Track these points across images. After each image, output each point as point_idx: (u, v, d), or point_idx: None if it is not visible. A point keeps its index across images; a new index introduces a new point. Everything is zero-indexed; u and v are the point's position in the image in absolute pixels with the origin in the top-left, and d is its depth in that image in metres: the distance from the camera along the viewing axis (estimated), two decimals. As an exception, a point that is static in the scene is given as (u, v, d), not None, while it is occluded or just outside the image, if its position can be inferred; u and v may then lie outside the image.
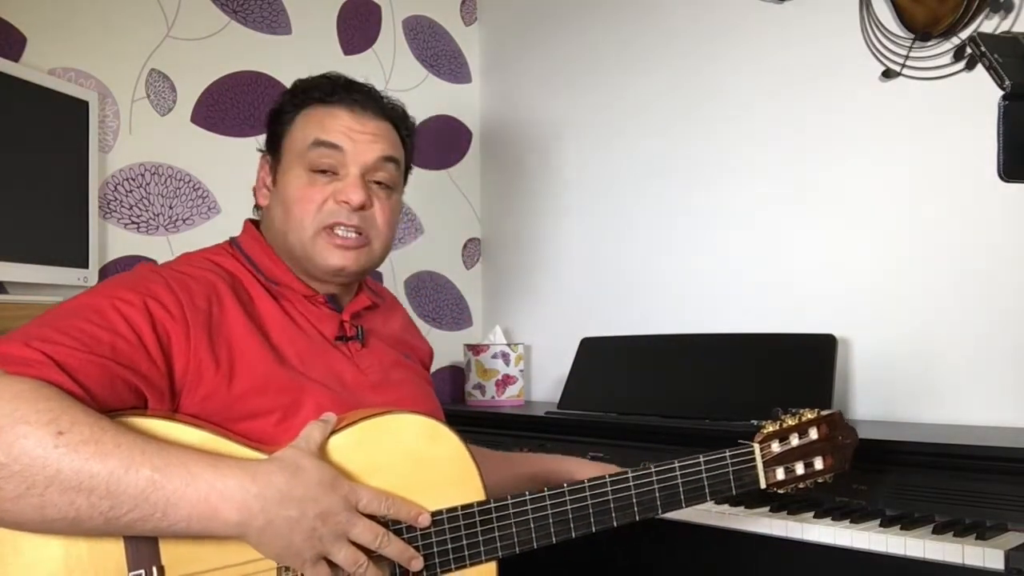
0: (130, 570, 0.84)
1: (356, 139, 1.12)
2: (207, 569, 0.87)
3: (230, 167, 2.07)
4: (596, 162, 2.30)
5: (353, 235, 1.12)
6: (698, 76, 2.07)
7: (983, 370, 1.59)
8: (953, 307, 1.63)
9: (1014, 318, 1.56)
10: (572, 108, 2.37)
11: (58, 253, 1.69)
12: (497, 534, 0.99)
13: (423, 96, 2.49)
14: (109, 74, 1.89)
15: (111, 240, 1.89)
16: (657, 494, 1.06)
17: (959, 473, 1.24)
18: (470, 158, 2.64)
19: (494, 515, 0.99)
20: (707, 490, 1.08)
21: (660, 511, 1.06)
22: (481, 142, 2.66)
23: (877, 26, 1.74)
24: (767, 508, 1.32)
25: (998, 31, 1.58)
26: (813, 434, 1.13)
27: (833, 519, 1.23)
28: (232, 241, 1.17)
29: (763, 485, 1.11)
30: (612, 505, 1.04)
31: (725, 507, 1.34)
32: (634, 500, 1.05)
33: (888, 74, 1.73)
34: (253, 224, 1.20)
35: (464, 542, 0.97)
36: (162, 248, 1.96)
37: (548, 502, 1.01)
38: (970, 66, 1.61)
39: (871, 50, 1.75)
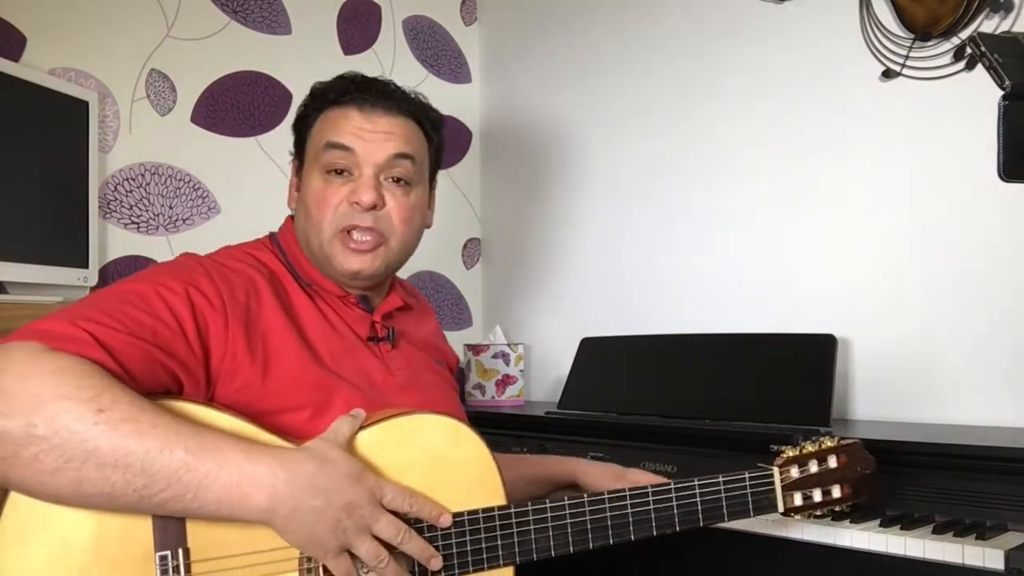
0: (156, 551, 0.86)
1: (367, 139, 1.12)
2: (231, 554, 0.89)
3: (230, 167, 2.07)
4: (596, 162, 2.30)
5: (367, 237, 1.12)
6: (698, 76, 2.07)
7: (983, 370, 1.59)
8: (953, 307, 1.63)
9: (1014, 318, 1.55)
10: (572, 108, 2.37)
11: (58, 253, 1.68)
12: (516, 539, 0.99)
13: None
14: (109, 74, 1.89)
15: (111, 240, 1.89)
16: (676, 511, 1.07)
17: (959, 473, 1.23)
18: (470, 158, 2.64)
19: (514, 520, 1.00)
20: (725, 510, 1.09)
21: (678, 527, 1.07)
22: (481, 142, 2.66)
23: (877, 26, 1.74)
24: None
25: (998, 31, 1.58)
26: (832, 462, 1.14)
27: (833, 519, 1.23)
28: (272, 236, 1.19)
29: (781, 510, 1.12)
30: (631, 518, 1.05)
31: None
32: (652, 515, 1.06)
33: (888, 74, 1.73)
34: (292, 221, 1.21)
35: (483, 545, 0.98)
36: (162, 248, 1.96)
37: (568, 511, 1.02)
38: (970, 66, 1.61)
39: (871, 50, 1.75)
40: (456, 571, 0.97)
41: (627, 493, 1.05)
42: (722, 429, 1.55)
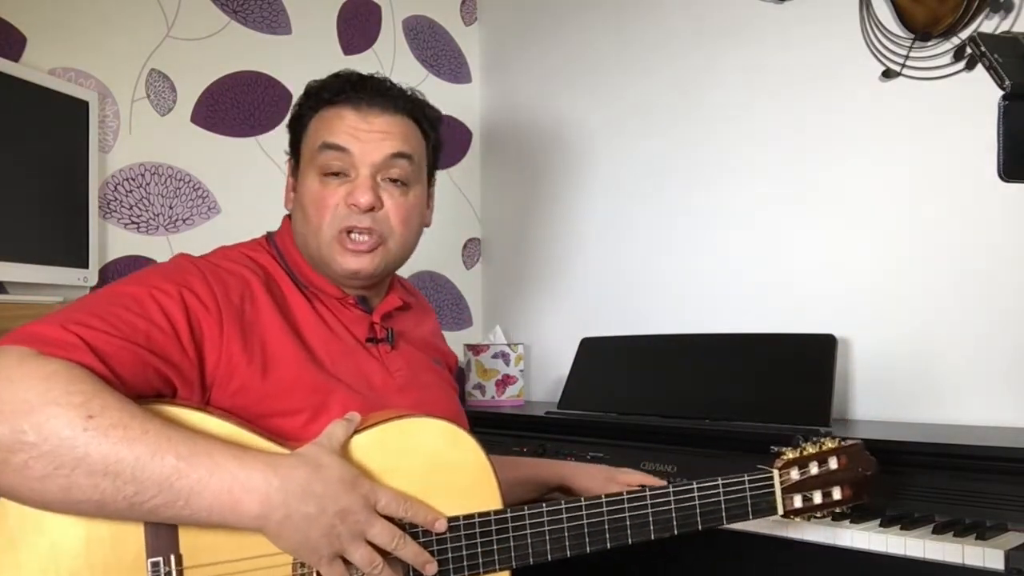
0: (148, 557, 0.85)
1: (363, 139, 1.10)
2: (223, 560, 0.88)
3: (230, 167, 2.07)
4: (596, 162, 2.30)
5: (366, 238, 1.11)
6: (698, 76, 2.07)
7: (983, 370, 1.59)
8: (953, 307, 1.63)
9: (1014, 318, 1.55)
10: (572, 108, 2.37)
11: (58, 253, 1.68)
12: (512, 544, 0.98)
13: (423, 96, 2.50)
14: (109, 74, 1.89)
15: (111, 240, 1.89)
16: (674, 514, 1.06)
17: (959, 473, 1.23)
18: (470, 158, 2.64)
19: (510, 524, 0.98)
20: (724, 513, 1.08)
21: (676, 531, 1.06)
22: (481, 142, 2.66)
23: (877, 26, 1.74)
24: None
25: (998, 31, 1.58)
26: (833, 464, 1.13)
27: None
28: (269, 237, 1.18)
29: (780, 512, 1.11)
30: (628, 522, 1.04)
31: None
32: (650, 519, 1.05)
33: (888, 74, 1.73)
34: (290, 221, 1.20)
35: (479, 550, 0.97)
36: (162, 248, 1.96)
37: (564, 515, 1.01)
38: (970, 66, 1.61)
39: (871, 50, 1.75)
40: None
41: (625, 497, 1.04)
42: (722, 429, 1.55)
